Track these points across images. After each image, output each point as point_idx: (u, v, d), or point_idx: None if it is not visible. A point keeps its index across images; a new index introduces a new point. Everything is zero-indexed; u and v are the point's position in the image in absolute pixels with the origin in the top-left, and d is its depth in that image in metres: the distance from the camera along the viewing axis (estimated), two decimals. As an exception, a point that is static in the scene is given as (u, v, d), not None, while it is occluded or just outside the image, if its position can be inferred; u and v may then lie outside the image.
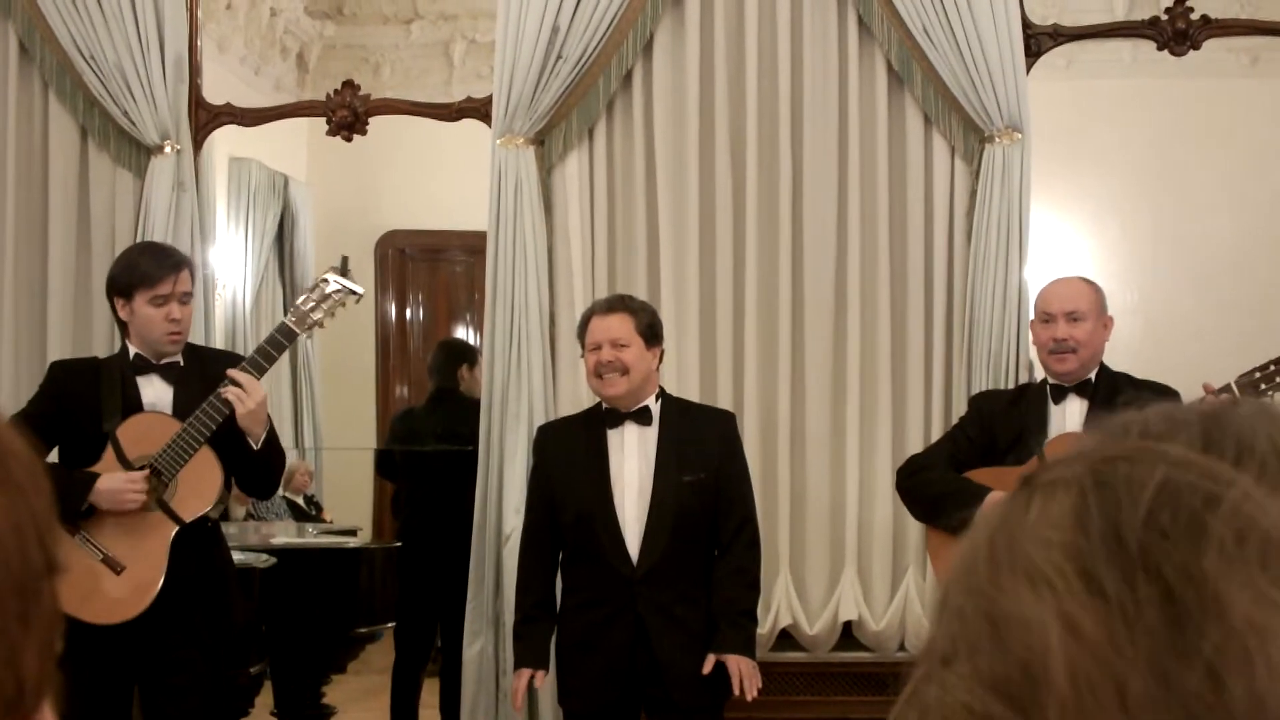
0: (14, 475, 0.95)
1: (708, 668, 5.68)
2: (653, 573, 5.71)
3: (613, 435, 5.86)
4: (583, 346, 5.93)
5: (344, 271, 5.94)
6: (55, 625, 0.97)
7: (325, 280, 5.91)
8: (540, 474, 6.01)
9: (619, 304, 5.95)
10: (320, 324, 5.88)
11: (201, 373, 5.80)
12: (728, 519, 5.82)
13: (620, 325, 5.80)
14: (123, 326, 5.89)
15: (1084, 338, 5.93)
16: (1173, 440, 0.84)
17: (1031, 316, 6.24)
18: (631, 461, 5.83)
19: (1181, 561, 0.79)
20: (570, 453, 5.89)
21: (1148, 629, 0.78)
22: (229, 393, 5.57)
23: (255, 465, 5.80)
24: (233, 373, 5.61)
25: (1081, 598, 0.80)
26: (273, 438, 5.80)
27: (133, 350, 5.83)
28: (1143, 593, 0.79)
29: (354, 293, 5.92)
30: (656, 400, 5.91)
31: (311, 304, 5.84)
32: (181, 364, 5.84)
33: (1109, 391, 5.96)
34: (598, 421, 5.91)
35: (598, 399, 5.97)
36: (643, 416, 5.86)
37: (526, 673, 5.81)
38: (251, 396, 5.59)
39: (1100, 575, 0.80)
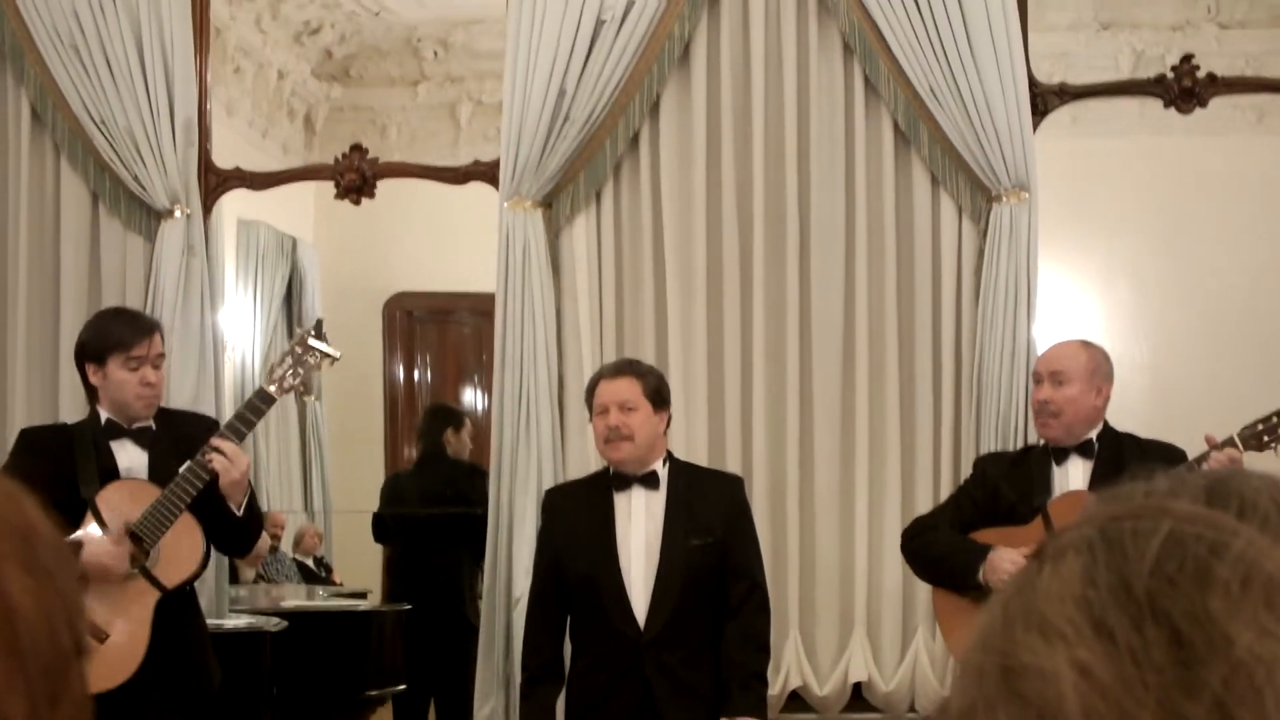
0: (43, 559, 0.96)
1: None
2: (660, 636, 5.70)
3: (620, 499, 5.86)
4: (590, 410, 5.93)
5: (319, 334, 5.94)
6: (84, 706, 0.98)
7: (300, 344, 5.91)
8: (547, 537, 6.01)
9: (626, 368, 5.96)
10: (297, 388, 5.89)
11: (174, 436, 5.82)
12: (736, 583, 5.82)
13: (628, 389, 5.81)
14: (91, 392, 5.89)
15: (1064, 402, 5.95)
16: (1179, 496, 0.85)
17: (1033, 379, 6.29)
18: (639, 525, 5.82)
19: (1188, 605, 0.80)
20: (577, 516, 5.89)
21: (1157, 669, 0.80)
22: (215, 462, 5.57)
23: (234, 529, 5.81)
24: (217, 441, 5.61)
25: (1092, 644, 0.81)
26: (253, 501, 5.81)
27: (104, 415, 5.83)
28: (1151, 635, 0.80)
29: (329, 356, 5.92)
30: (664, 464, 5.91)
31: (287, 368, 5.85)
32: (154, 428, 5.85)
33: (1112, 451, 5.98)
34: (605, 485, 5.91)
35: (605, 462, 5.98)
36: (650, 481, 5.86)
37: None
38: (236, 465, 5.60)
39: (1110, 623, 0.82)
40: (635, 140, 7.24)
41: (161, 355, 5.83)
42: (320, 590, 9.90)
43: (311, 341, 5.89)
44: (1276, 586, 0.80)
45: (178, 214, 7.26)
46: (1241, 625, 0.79)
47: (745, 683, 5.78)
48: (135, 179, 7.28)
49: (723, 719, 5.70)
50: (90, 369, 5.80)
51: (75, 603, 0.98)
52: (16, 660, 0.91)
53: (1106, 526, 0.85)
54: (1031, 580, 0.87)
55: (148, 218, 7.35)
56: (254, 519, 5.88)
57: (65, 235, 7.46)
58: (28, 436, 6.03)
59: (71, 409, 7.21)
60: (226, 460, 5.57)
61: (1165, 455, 5.89)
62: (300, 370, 5.84)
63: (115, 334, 5.78)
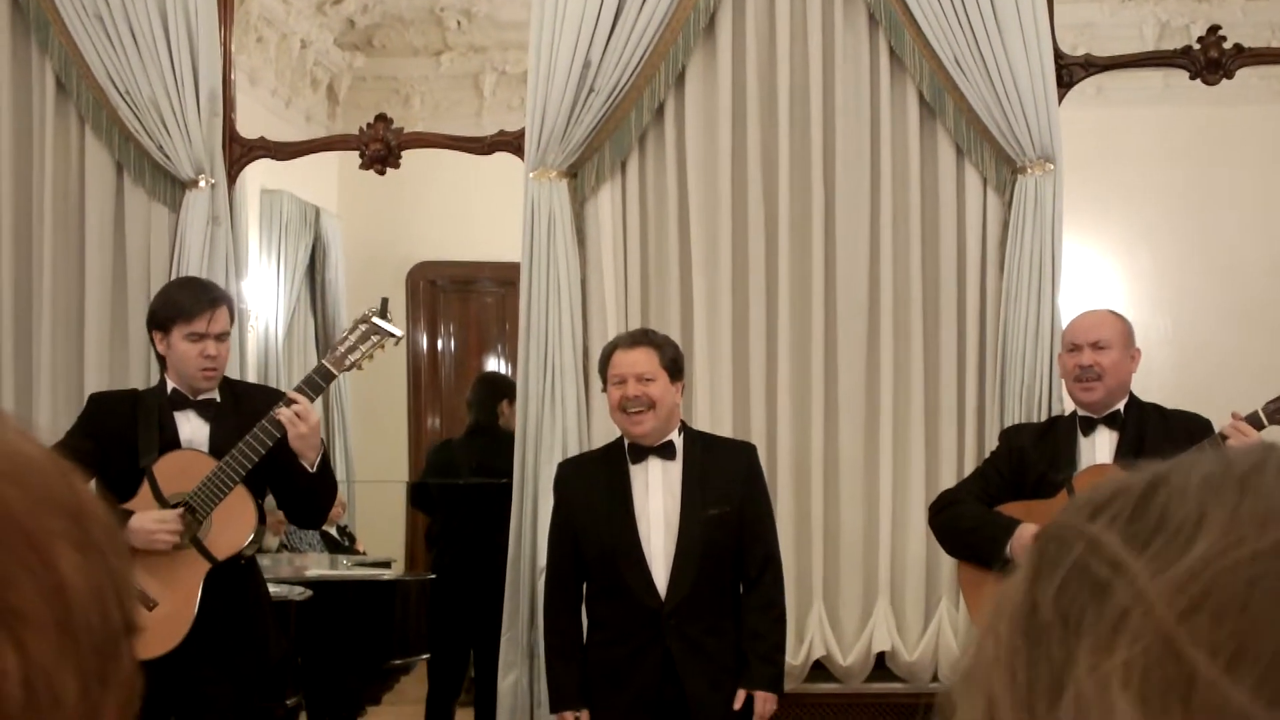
0: (94, 536, 0.96)
1: (739, 703, 5.72)
2: (681, 606, 5.72)
3: (636, 470, 5.86)
4: (604, 380, 5.93)
5: (384, 314, 5.93)
6: (133, 685, 0.99)
7: (364, 322, 5.91)
8: (563, 511, 6.01)
9: (643, 338, 5.96)
10: (359, 366, 5.88)
11: (237, 409, 5.82)
12: (753, 552, 5.84)
13: (646, 360, 5.81)
14: (161, 360, 5.92)
15: (1109, 365, 5.94)
16: (1108, 510, 0.84)
17: (1060, 349, 6.27)
18: (656, 496, 5.83)
19: (1065, 649, 0.80)
20: (593, 489, 5.90)
21: (1040, 694, 0.81)
22: (283, 414, 5.57)
23: (306, 492, 5.82)
24: (292, 394, 5.64)
25: (1003, 669, 0.83)
26: (327, 464, 5.81)
27: (170, 385, 5.85)
28: (1041, 670, 0.81)
29: (393, 335, 5.92)
30: (679, 434, 5.92)
31: (349, 346, 5.85)
32: (218, 400, 5.86)
33: (1138, 422, 5.98)
34: (620, 457, 5.91)
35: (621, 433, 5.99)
36: (666, 451, 5.86)
37: (569, 715, 5.84)
38: (305, 420, 5.61)
39: (1017, 649, 0.83)
40: (660, 111, 7.24)
41: (225, 331, 5.83)
42: (344, 559, 9.92)
43: (376, 320, 5.89)
44: (1140, 646, 0.79)
45: (202, 184, 7.28)
46: (1091, 677, 0.79)
47: (767, 655, 5.82)
48: (160, 149, 7.29)
49: (741, 690, 5.74)
50: (156, 337, 5.83)
51: (126, 581, 0.99)
52: (69, 638, 0.92)
53: (1045, 540, 0.86)
54: (1008, 578, 0.88)
55: (172, 188, 7.36)
56: (327, 481, 5.86)
57: (90, 205, 7.49)
58: (95, 402, 6.06)
59: (97, 378, 7.24)
60: (292, 414, 5.59)
61: (1190, 425, 5.89)
62: (363, 348, 5.85)
63: (179, 304, 5.80)
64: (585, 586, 5.95)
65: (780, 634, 5.93)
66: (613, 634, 5.84)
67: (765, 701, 5.77)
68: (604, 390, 5.99)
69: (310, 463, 5.69)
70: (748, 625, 5.81)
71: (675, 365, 5.88)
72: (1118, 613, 0.79)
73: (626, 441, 5.90)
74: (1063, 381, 6.37)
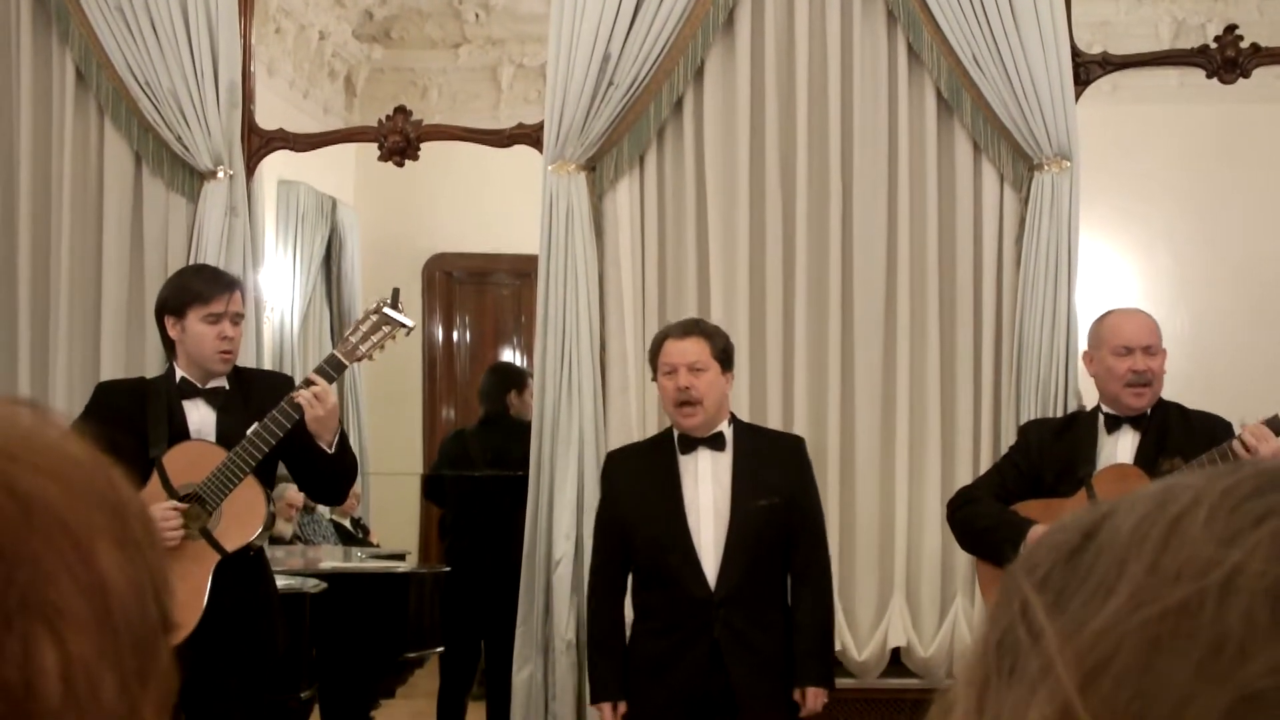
0: (133, 532, 0.97)
1: (804, 710, 5.79)
2: (730, 598, 5.72)
3: (685, 461, 5.85)
4: (654, 370, 5.92)
5: (395, 304, 5.92)
6: (170, 681, 0.99)
7: (376, 313, 5.90)
8: (610, 502, 6.01)
9: (694, 328, 5.94)
10: (370, 356, 5.87)
11: (246, 397, 5.80)
12: (802, 543, 5.85)
13: (697, 349, 5.80)
14: (169, 348, 5.90)
15: (1158, 370, 5.92)
16: (1044, 563, 0.83)
17: (1084, 346, 6.22)
18: (706, 487, 5.82)
19: (1001, 706, 0.80)
20: (641, 480, 5.89)
21: None
22: (302, 395, 5.57)
23: (326, 472, 5.81)
24: (312, 375, 5.64)
25: (967, 699, 0.83)
26: (345, 443, 5.81)
27: (179, 373, 5.84)
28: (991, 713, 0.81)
29: (404, 326, 5.91)
30: (728, 425, 5.92)
31: (360, 336, 5.84)
32: (227, 388, 5.85)
33: (1161, 422, 5.95)
34: (669, 448, 5.91)
35: (665, 424, 6.00)
36: (716, 442, 5.86)
37: (608, 707, 5.84)
38: (323, 402, 5.61)
39: (972, 694, 0.82)
40: (679, 105, 7.24)
41: (240, 314, 5.83)
42: (358, 551, 9.93)
43: (387, 310, 5.86)
44: (1045, 714, 0.78)
45: (220, 175, 7.28)
46: None
47: (817, 650, 5.86)
48: (179, 140, 7.30)
49: (797, 688, 5.77)
50: (169, 322, 5.80)
51: (163, 576, 0.99)
52: (108, 635, 0.92)
53: (1000, 588, 0.85)
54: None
55: (190, 178, 7.37)
56: (347, 458, 5.83)
57: (109, 196, 7.49)
58: (102, 391, 6.05)
59: (113, 368, 7.25)
60: (311, 395, 5.58)
61: (1210, 426, 5.88)
62: (374, 338, 5.83)
63: (195, 288, 5.79)
64: (631, 577, 5.95)
65: (829, 627, 5.97)
66: (660, 624, 5.82)
67: (816, 696, 5.80)
68: (654, 379, 5.98)
69: (327, 444, 5.68)
70: (797, 619, 5.83)
71: (726, 355, 5.88)
72: (1030, 681, 0.78)
73: (676, 432, 5.90)
74: (1083, 379, 6.35)
